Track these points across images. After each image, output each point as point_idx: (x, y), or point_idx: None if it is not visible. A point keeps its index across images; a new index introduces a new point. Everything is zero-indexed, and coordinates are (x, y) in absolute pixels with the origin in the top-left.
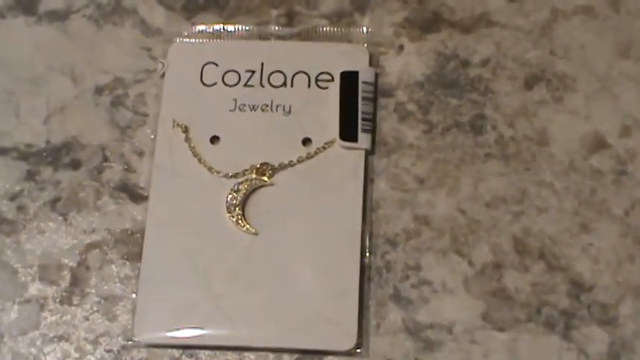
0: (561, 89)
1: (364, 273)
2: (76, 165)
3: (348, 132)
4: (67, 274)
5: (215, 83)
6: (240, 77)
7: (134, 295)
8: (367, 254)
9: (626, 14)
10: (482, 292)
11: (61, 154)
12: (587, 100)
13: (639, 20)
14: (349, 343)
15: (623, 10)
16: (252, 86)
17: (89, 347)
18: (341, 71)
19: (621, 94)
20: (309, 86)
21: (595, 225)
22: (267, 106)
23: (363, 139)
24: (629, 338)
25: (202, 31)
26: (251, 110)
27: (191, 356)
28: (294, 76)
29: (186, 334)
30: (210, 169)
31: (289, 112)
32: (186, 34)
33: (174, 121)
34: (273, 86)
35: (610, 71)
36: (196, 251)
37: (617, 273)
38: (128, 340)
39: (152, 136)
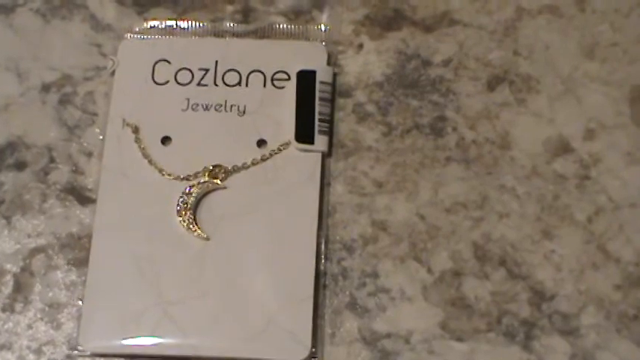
0: (525, 91)
1: (319, 280)
2: (20, 166)
3: (304, 133)
4: (9, 280)
5: (167, 82)
6: (193, 76)
7: (80, 302)
8: (323, 260)
9: (591, 13)
10: (441, 300)
11: (5, 155)
12: (551, 102)
13: (605, 20)
14: (303, 352)
15: (589, 9)
16: (206, 85)
17: (32, 357)
18: (298, 70)
19: (586, 96)
20: (264, 85)
21: (557, 231)
22: (221, 106)
23: (320, 141)
24: (591, 349)
25: (154, 27)
26: (204, 110)
27: None
28: (249, 74)
29: (134, 342)
30: (161, 170)
31: (244, 112)
32: (137, 29)
33: (124, 120)
34: (228, 85)
35: (575, 73)
36: (146, 256)
37: (579, 281)
38: (73, 349)
39: (101, 137)
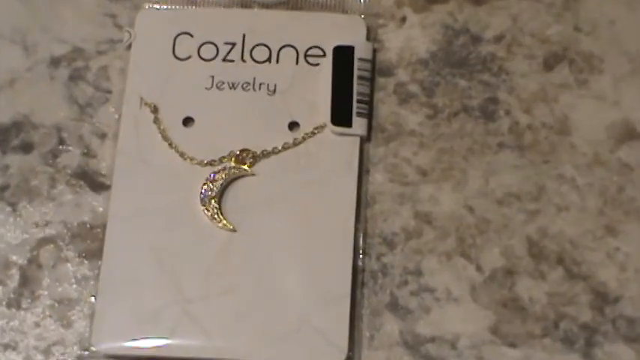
0: (586, 71)
1: (357, 277)
2: (27, 148)
3: (340, 116)
4: (15, 274)
5: (189, 57)
6: (218, 50)
7: (92, 299)
8: (361, 256)
9: None
10: (491, 301)
11: (9, 135)
12: (616, 84)
13: None
14: (339, 356)
15: None
16: (232, 61)
17: (40, 357)
18: (334, 46)
19: None
20: (297, 62)
21: (622, 227)
22: (248, 84)
23: (358, 124)
24: None
25: None
26: (230, 88)
27: None
28: (280, 50)
29: (151, 343)
30: (182, 155)
31: (274, 91)
32: None
33: (141, 99)
34: (256, 62)
35: None
36: (165, 249)
37: None
38: (85, 350)
39: (116, 116)
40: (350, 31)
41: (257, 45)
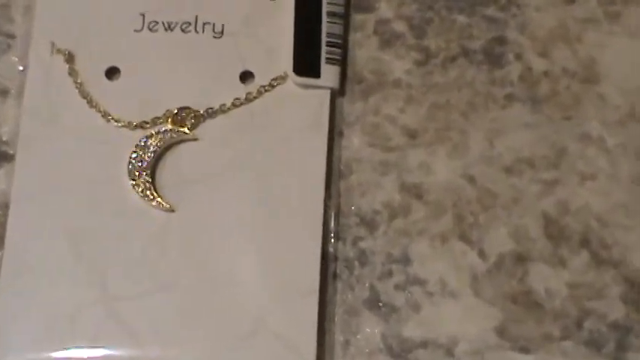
0: (618, 2)
1: (327, 267)
2: None
3: (305, 63)
4: None
5: None
6: None
7: None
8: (332, 240)
9: None
10: (497, 295)
11: None
12: None
13: None
14: None
15: None
16: None
17: None
18: None
19: None
20: None
21: None
22: (189, 24)
23: (328, 74)
24: None
25: None
26: (166, 30)
27: None
28: None
29: (68, 354)
30: (105, 115)
31: (221, 32)
32: None
33: (53, 45)
34: None
35: None
36: (84, 235)
37: None
38: None
39: (20, 68)
40: None
41: None
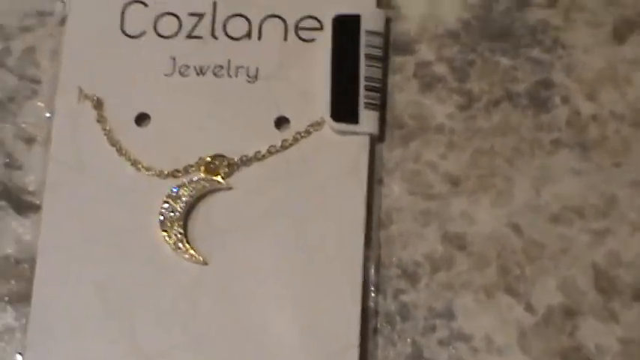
0: None
1: (368, 322)
2: None
3: (343, 108)
4: None
5: (143, 33)
6: (181, 24)
7: (19, 357)
8: (373, 294)
9: None
10: (546, 352)
11: None
12: None
13: None
14: None
15: None
16: (200, 38)
17: None
18: (334, 15)
19: None
20: (285, 38)
21: None
22: (221, 68)
23: (367, 120)
24: None
25: None
26: (197, 74)
27: None
28: (262, 22)
29: None
30: (135, 163)
31: (255, 77)
32: None
33: (81, 90)
34: (232, 38)
35: None
36: (114, 288)
37: None
38: None
39: (47, 114)
40: None
41: (232, 16)
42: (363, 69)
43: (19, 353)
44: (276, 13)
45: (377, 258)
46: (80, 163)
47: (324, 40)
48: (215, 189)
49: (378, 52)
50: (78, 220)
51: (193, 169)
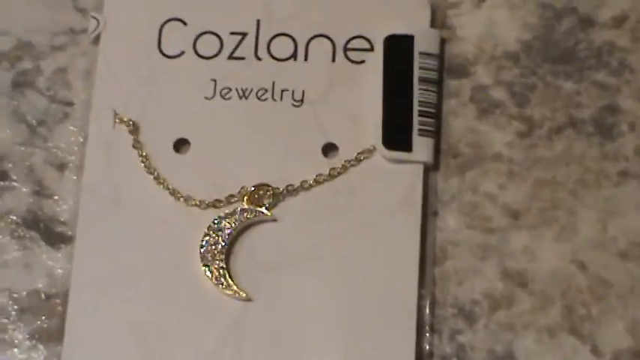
0: None
1: None
2: None
3: (396, 135)
4: None
5: (182, 53)
6: (222, 44)
7: None
8: (427, 334)
9: None
10: None
11: None
12: None
13: None
14: None
15: None
16: (242, 59)
17: None
18: (386, 35)
19: None
20: (333, 59)
21: None
22: (265, 91)
23: (422, 147)
24: None
25: None
26: (240, 98)
27: None
28: (309, 42)
29: None
30: (174, 193)
31: (301, 101)
32: None
33: (115, 114)
34: (276, 59)
35: None
36: (151, 327)
37: None
38: None
39: (80, 139)
40: (408, 15)
41: (277, 35)
42: (417, 93)
43: None
44: (324, 32)
45: (431, 296)
46: (115, 191)
47: (375, 62)
48: (259, 220)
49: (432, 75)
50: (113, 254)
51: (236, 199)
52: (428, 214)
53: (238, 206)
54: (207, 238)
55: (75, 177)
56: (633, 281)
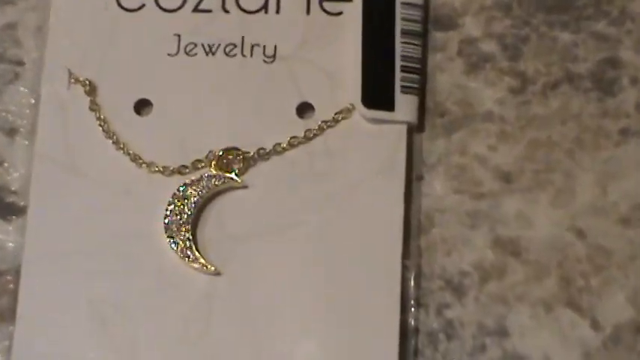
0: None
1: (407, 342)
2: None
3: (377, 93)
4: None
5: (142, 6)
6: None
7: None
8: (413, 309)
9: None
10: None
11: None
12: None
13: None
14: None
15: None
16: (209, 11)
17: None
18: None
19: None
20: (307, 11)
21: None
22: (234, 46)
23: (405, 106)
24: None
25: None
26: (206, 54)
27: None
28: None
29: None
30: (135, 158)
31: (273, 57)
32: None
33: (70, 73)
34: (245, 11)
35: None
36: (112, 305)
37: None
38: None
39: (31, 101)
40: None
41: None
42: (399, 47)
43: None
44: None
45: (417, 268)
46: (71, 158)
47: (354, 13)
48: (228, 187)
49: (416, 27)
50: (69, 225)
51: (203, 164)
52: (412, 178)
53: (205, 172)
54: (172, 207)
55: (27, 142)
56: (635, 249)
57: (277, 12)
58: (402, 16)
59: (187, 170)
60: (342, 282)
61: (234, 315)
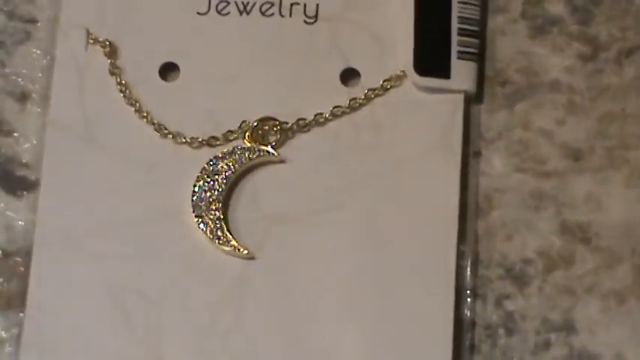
0: None
1: (463, 336)
2: None
3: (431, 58)
4: None
5: None
6: None
7: None
8: (469, 300)
9: None
10: None
11: None
12: None
13: None
14: None
15: None
16: None
17: None
18: None
19: None
20: None
21: None
22: (271, 4)
23: (462, 73)
24: None
25: None
26: (240, 13)
27: None
28: None
29: None
30: (159, 128)
31: (315, 16)
32: None
33: (88, 33)
34: None
35: None
36: (133, 291)
37: None
38: None
39: (45, 63)
40: None
41: None
42: (456, 7)
43: None
44: None
45: (474, 254)
46: (88, 127)
47: None
48: (263, 162)
49: None
50: (86, 202)
51: (235, 136)
52: (469, 154)
53: (238, 144)
54: (201, 183)
55: (39, 109)
56: None
57: None
58: None
59: (218, 142)
60: (389, 269)
61: (268, 304)
